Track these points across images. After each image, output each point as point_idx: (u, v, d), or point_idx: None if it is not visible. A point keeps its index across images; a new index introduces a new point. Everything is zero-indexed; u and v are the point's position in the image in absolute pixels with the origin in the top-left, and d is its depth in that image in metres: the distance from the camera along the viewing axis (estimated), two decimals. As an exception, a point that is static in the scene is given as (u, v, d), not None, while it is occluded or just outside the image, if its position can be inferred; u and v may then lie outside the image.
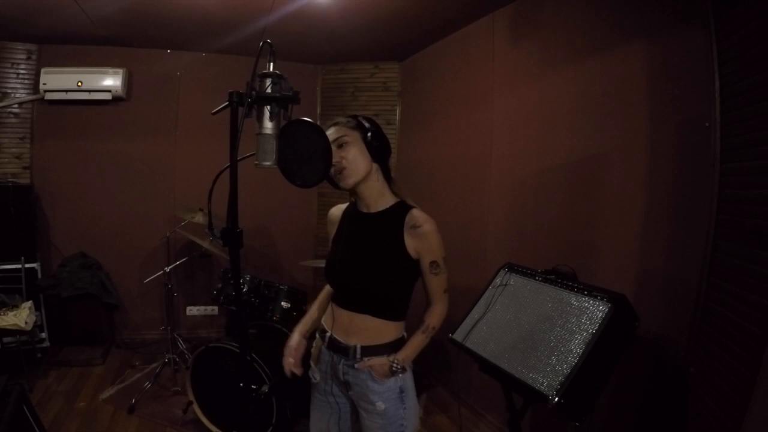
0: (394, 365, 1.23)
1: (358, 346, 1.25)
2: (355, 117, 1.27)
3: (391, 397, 1.26)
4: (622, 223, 1.86)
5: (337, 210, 1.41)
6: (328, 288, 1.46)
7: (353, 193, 1.28)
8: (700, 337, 1.55)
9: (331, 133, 1.24)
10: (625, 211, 1.84)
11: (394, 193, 1.30)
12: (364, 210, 1.30)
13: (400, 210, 1.26)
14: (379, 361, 1.24)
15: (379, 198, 1.27)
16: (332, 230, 1.39)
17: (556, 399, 1.40)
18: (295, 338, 1.40)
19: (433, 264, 1.24)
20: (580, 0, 2.07)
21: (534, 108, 2.32)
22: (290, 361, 1.36)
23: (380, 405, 1.26)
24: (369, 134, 1.23)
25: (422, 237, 1.21)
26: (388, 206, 1.28)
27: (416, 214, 1.24)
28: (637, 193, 1.79)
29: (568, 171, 2.11)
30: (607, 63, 1.93)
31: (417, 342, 1.29)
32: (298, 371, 1.35)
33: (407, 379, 1.31)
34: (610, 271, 1.90)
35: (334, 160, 1.12)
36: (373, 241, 1.26)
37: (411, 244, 1.22)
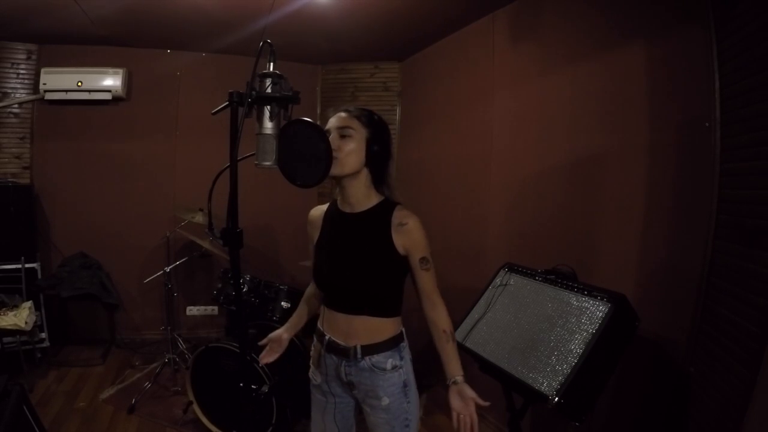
0: (458, 381, 1.24)
1: (359, 346, 1.25)
2: (370, 114, 1.24)
3: (395, 391, 1.28)
4: (623, 222, 1.86)
5: (317, 211, 1.38)
6: (311, 287, 1.47)
7: (339, 186, 1.26)
8: (700, 337, 1.55)
9: (338, 118, 1.22)
10: (625, 211, 1.84)
11: (380, 192, 1.28)
12: (348, 210, 1.28)
13: (385, 208, 1.26)
14: (459, 399, 1.23)
15: (363, 198, 1.26)
16: (314, 233, 1.36)
17: (556, 399, 1.40)
18: (277, 332, 1.44)
19: (423, 260, 1.24)
20: (579, 0, 2.07)
21: (534, 107, 2.32)
22: (264, 355, 1.43)
23: (385, 400, 1.27)
24: (374, 138, 1.22)
25: (409, 233, 1.22)
26: (372, 205, 1.26)
27: (401, 212, 1.24)
28: (637, 192, 1.79)
29: (568, 170, 2.11)
30: (607, 63, 1.93)
31: (453, 352, 1.28)
32: (265, 360, 1.43)
33: (410, 374, 1.33)
34: (610, 271, 1.90)
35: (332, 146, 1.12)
36: (360, 241, 1.25)
37: (399, 241, 1.22)
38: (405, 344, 1.34)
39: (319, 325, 1.36)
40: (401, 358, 1.29)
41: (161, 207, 3.56)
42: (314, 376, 1.39)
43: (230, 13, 2.75)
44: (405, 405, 1.29)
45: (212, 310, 3.74)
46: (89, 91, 3.22)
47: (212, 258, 3.51)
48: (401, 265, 1.25)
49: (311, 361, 1.41)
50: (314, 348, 1.39)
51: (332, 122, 1.23)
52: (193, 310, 3.74)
